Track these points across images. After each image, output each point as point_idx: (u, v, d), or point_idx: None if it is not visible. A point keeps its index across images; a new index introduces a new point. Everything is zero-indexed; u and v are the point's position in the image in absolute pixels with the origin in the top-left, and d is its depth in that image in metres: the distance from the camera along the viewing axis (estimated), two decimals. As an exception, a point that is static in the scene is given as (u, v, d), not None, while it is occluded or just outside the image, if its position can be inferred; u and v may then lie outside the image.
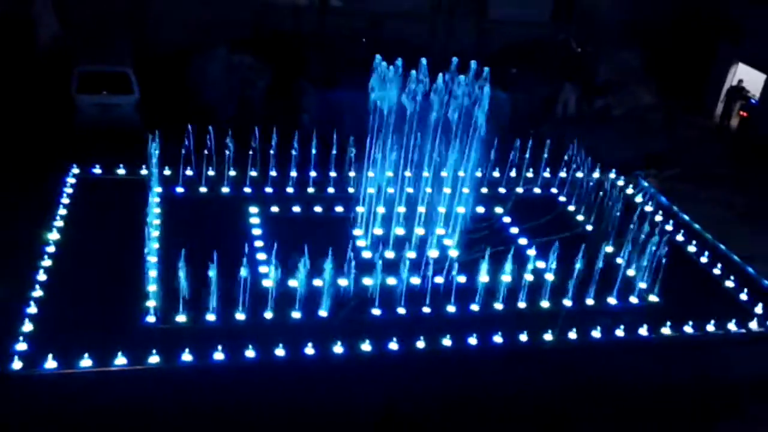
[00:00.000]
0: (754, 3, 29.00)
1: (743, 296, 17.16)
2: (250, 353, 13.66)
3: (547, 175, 21.22)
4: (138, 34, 26.20)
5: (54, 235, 16.39)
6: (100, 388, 12.88)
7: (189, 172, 19.16)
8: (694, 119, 30.18)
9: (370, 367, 14.22)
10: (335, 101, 23.95)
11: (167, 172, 18.93)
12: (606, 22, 30.86)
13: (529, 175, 21.00)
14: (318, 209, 18.62)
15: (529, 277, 16.22)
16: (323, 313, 14.96)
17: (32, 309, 14.05)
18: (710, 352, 15.91)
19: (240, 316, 14.58)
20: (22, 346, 13.18)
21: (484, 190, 20.22)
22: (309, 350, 13.94)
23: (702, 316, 16.11)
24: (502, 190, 20.47)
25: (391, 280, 15.85)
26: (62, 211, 17.40)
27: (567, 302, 16.12)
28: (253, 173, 19.20)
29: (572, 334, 15.26)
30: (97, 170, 19.25)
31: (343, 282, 15.52)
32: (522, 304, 16.00)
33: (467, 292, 15.89)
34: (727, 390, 15.10)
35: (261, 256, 16.28)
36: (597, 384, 14.54)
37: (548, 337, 15.06)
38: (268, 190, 19.08)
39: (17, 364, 12.83)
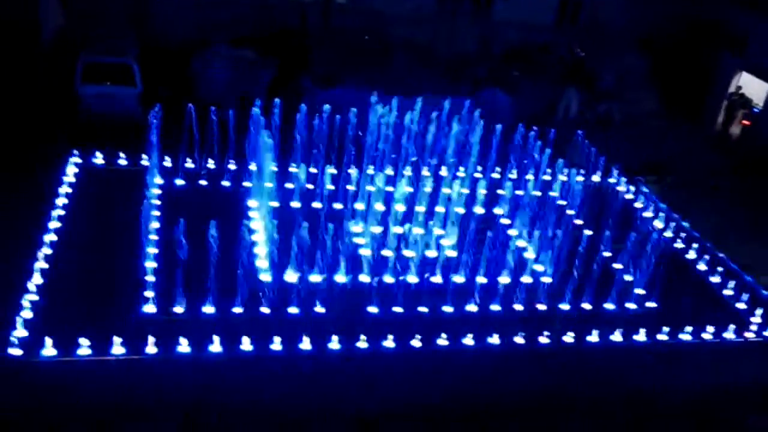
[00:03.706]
0: (758, 12, 29.06)
1: (741, 305, 17.18)
2: (246, 346, 13.69)
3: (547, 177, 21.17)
4: (143, 27, 26.24)
5: (54, 224, 16.39)
6: (98, 376, 12.91)
7: (189, 164, 19.26)
8: (696, 127, 30.21)
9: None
10: (338, 99, 23.89)
11: (167, 163, 18.98)
12: (611, 28, 30.94)
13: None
14: (317, 205, 18.57)
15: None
16: (320, 309, 14.97)
17: (32, 296, 14.02)
18: (707, 361, 15.95)
19: (237, 309, 14.58)
20: (21, 332, 13.17)
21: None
22: (305, 345, 13.97)
23: (699, 323, 16.11)
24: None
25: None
26: (62, 200, 17.39)
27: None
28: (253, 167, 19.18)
29: (569, 338, 15.32)
30: (98, 160, 19.27)
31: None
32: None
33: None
34: (724, 400, 15.18)
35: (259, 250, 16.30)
36: (591, 390, 14.64)
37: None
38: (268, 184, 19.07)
39: (16, 351, 12.83)
